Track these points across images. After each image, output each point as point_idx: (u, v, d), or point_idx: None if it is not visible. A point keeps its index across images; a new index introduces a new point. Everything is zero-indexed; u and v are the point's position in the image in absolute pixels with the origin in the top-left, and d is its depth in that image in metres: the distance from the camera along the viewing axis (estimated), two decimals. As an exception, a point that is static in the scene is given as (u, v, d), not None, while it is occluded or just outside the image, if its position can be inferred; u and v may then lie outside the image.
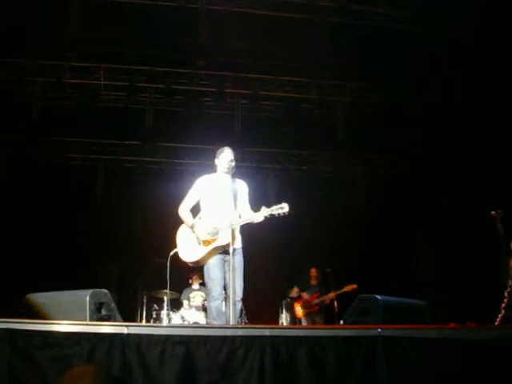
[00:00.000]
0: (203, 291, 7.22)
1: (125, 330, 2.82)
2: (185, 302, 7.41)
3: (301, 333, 3.01)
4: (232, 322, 3.87)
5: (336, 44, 8.04)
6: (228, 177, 4.37)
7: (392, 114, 9.24)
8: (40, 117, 8.54)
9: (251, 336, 2.89)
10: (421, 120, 9.09)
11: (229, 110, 9.29)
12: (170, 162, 9.65)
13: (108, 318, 3.77)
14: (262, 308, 8.23)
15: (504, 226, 5.61)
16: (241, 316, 5.98)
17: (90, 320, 3.50)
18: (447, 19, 7.81)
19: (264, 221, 4.20)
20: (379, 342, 2.99)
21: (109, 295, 3.93)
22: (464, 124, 8.58)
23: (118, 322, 3.74)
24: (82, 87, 8.68)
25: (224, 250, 4.19)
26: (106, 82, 8.78)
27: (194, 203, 4.43)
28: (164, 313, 6.79)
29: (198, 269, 4.67)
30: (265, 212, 4.13)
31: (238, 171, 4.45)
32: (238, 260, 4.18)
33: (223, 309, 4.51)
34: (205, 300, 6.95)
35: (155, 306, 7.11)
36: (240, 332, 2.94)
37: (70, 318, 3.28)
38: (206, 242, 4.24)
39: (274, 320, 8.28)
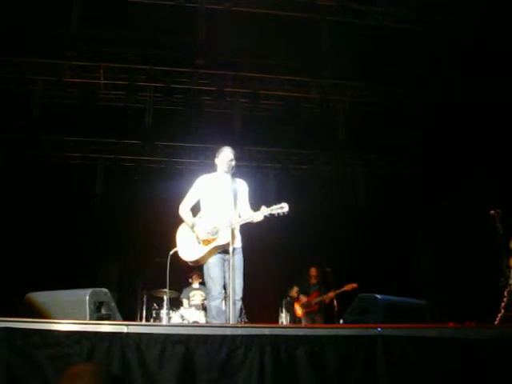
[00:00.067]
0: (203, 290, 7.23)
1: (124, 329, 2.81)
2: (185, 301, 7.42)
3: (300, 332, 3.01)
4: (232, 321, 3.86)
5: (336, 43, 8.03)
6: (228, 176, 4.37)
7: (392, 113, 9.25)
8: (40, 115, 8.53)
9: (251, 335, 2.89)
10: (421, 120, 9.08)
11: (228, 109, 9.30)
12: (170, 161, 9.66)
13: (108, 317, 3.77)
14: (261, 307, 8.23)
15: (503, 225, 5.62)
16: (240, 315, 5.96)
17: (90, 319, 3.50)
18: (447, 19, 7.81)
19: (264, 220, 4.19)
20: (379, 341, 2.98)
21: (109, 294, 3.94)
22: (464, 124, 8.58)
23: (118, 321, 3.74)
24: (82, 86, 8.68)
25: (224, 250, 4.19)
26: (106, 81, 8.78)
27: (194, 202, 4.43)
28: (164, 312, 6.79)
29: (197, 268, 4.67)
30: (264, 211, 4.13)
31: (237, 170, 4.45)
32: (237, 259, 4.18)
33: (223, 308, 4.51)
34: (204, 299, 6.96)
35: (155, 305, 7.11)
36: (240, 331, 2.94)
37: (70, 317, 3.28)
38: (206, 242, 4.24)
39: (274, 319, 8.28)
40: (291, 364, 2.86)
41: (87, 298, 3.59)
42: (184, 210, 4.39)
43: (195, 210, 4.45)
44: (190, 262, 4.36)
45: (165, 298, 6.84)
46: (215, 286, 4.16)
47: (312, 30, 8.01)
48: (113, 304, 3.93)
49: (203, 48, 7.91)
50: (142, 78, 8.78)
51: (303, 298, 8.05)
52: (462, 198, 8.57)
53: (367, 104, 9.42)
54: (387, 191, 9.55)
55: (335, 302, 7.68)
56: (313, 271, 8.27)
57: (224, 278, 4.20)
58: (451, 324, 3.76)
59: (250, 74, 8.89)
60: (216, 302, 4.16)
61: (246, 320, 6.72)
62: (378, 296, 3.96)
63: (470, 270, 7.90)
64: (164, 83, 8.87)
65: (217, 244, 4.18)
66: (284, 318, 8.30)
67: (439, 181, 9.34)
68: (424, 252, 9.83)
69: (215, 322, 4.08)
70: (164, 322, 6.61)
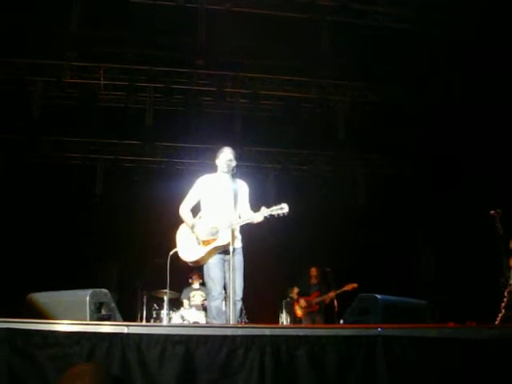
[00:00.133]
0: (203, 291, 7.22)
1: (125, 330, 2.82)
2: (185, 302, 7.42)
3: (301, 332, 3.01)
4: (232, 322, 3.86)
5: (336, 43, 8.04)
6: (228, 177, 4.37)
7: (392, 113, 9.25)
8: (40, 116, 8.55)
9: (251, 335, 2.89)
10: (421, 120, 9.09)
11: (228, 110, 9.31)
12: (170, 162, 9.66)
13: (108, 318, 3.78)
14: (262, 308, 8.23)
15: (503, 225, 5.62)
16: (241, 316, 5.98)
17: (90, 319, 3.50)
18: (447, 19, 7.82)
19: (264, 221, 4.19)
20: (379, 341, 2.98)
21: (109, 295, 3.94)
22: (464, 124, 8.57)
23: (118, 321, 3.75)
24: (82, 87, 8.69)
25: (224, 250, 4.18)
26: (106, 82, 8.78)
27: (194, 203, 4.43)
28: (164, 312, 6.79)
29: (198, 268, 4.67)
30: (264, 212, 4.13)
31: (237, 171, 4.44)
32: (237, 260, 4.18)
33: (223, 308, 4.51)
34: (205, 299, 6.95)
35: (155, 305, 7.11)
36: (240, 331, 2.94)
37: (71, 317, 3.28)
38: (206, 242, 4.23)
39: (274, 320, 8.28)
40: (291, 364, 2.86)
41: (87, 298, 3.59)
42: (184, 210, 4.39)
43: (195, 210, 4.45)
44: (190, 262, 4.35)
45: (165, 298, 6.83)
46: (215, 286, 4.16)
47: (312, 30, 8.02)
48: (113, 304, 3.93)
49: (203, 48, 7.92)
50: (142, 78, 8.79)
51: (303, 302, 8.04)
52: (462, 198, 8.57)
53: (367, 104, 9.42)
54: (387, 191, 9.55)
55: (335, 302, 7.68)
56: (313, 271, 8.26)
57: (224, 278, 4.20)
58: (451, 324, 3.76)
59: (250, 75, 8.90)
60: (216, 303, 4.16)
61: (247, 320, 6.72)
62: (378, 296, 3.96)
63: (470, 270, 7.90)
64: (164, 84, 8.88)
65: (217, 244, 4.18)
66: (284, 318, 8.30)
67: (439, 181, 9.34)
68: (424, 252, 9.83)
69: (215, 322, 4.08)
70: (164, 322, 6.61)
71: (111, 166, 9.51)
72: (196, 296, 7.52)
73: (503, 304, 5.56)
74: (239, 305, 4.16)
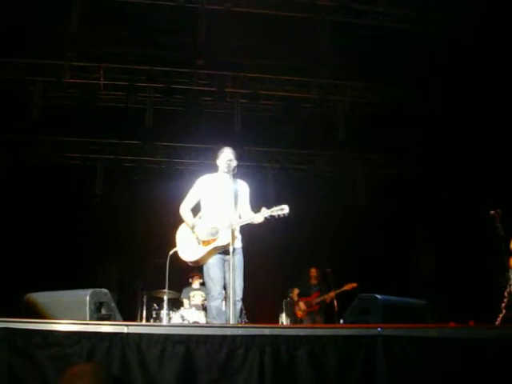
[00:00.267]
0: (203, 291, 7.22)
1: (125, 330, 2.82)
2: (185, 302, 7.41)
3: (301, 332, 3.01)
4: (232, 322, 3.86)
5: (336, 43, 8.04)
6: (229, 177, 4.37)
7: (392, 113, 9.25)
8: (40, 116, 8.55)
9: (251, 335, 2.89)
10: (421, 120, 9.09)
11: (228, 110, 9.30)
12: (170, 162, 9.65)
13: (108, 318, 3.77)
14: (262, 308, 8.23)
15: (503, 225, 5.62)
16: (241, 316, 5.98)
17: (90, 319, 3.50)
18: (447, 19, 7.81)
19: (264, 221, 4.19)
20: (379, 341, 2.98)
21: (109, 295, 3.93)
22: (464, 124, 8.57)
23: (118, 321, 3.74)
24: (82, 87, 8.68)
25: (224, 250, 4.18)
26: (106, 82, 8.78)
27: (194, 203, 4.43)
28: (164, 312, 6.79)
29: (198, 268, 4.67)
30: (265, 213, 4.12)
31: (237, 171, 4.44)
32: (237, 259, 4.18)
33: (223, 308, 4.51)
34: (205, 299, 6.95)
35: (155, 305, 7.11)
36: (240, 331, 2.94)
37: (70, 317, 3.28)
38: (206, 242, 4.23)
39: (274, 320, 8.27)
40: (291, 364, 2.86)
41: (87, 298, 3.58)
42: (184, 210, 4.39)
43: (196, 210, 4.45)
44: (190, 262, 4.35)
45: (165, 298, 6.83)
46: (215, 286, 4.16)
47: (312, 30, 8.02)
48: (113, 304, 3.92)
49: (203, 48, 7.92)
50: (142, 78, 8.79)
51: (303, 305, 8.04)
52: (462, 198, 8.57)
53: (367, 104, 9.42)
54: (387, 191, 9.55)
55: (335, 302, 7.67)
56: (313, 272, 8.25)
57: (224, 278, 4.20)
58: (452, 324, 3.76)
59: (250, 75, 8.90)
60: (216, 303, 4.15)
61: (247, 320, 6.72)
62: (378, 296, 3.96)
63: (470, 271, 7.90)
64: (164, 84, 8.88)
65: (217, 245, 4.18)
66: (284, 318, 8.29)
67: (439, 181, 9.34)
68: (424, 252, 9.82)
69: (215, 322, 4.07)
70: (164, 322, 6.61)
71: (111, 165, 9.51)
72: (196, 296, 7.52)
73: (503, 304, 5.56)
74: (239, 305, 4.16)
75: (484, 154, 8.34)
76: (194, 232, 4.30)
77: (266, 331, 2.96)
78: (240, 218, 4.29)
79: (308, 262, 8.46)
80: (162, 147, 9.49)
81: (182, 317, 6.81)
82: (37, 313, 3.60)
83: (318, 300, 7.95)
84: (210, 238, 4.21)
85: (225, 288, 4.26)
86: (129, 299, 7.52)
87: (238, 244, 4.28)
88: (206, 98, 9.15)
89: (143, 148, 9.44)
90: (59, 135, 9.07)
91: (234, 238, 4.09)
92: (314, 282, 8.23)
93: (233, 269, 3.93)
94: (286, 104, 9.17)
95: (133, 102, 9.01)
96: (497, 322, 5.46)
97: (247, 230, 4.40)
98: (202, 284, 7.10)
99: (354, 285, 7.61)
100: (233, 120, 9.15)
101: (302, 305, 8.05)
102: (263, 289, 8.17)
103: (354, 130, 9.24)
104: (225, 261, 4.21)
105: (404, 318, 3.73)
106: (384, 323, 3.51)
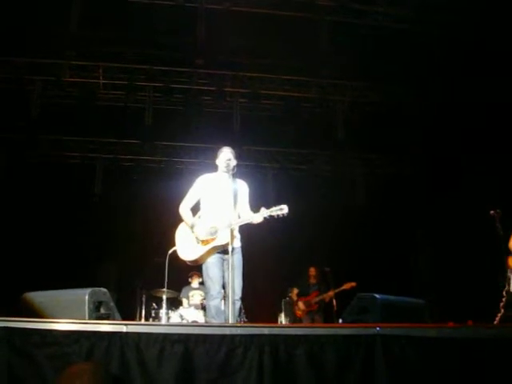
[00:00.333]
0: (202, 290, 7.21)
1: (124, 329, 2.81)
2: (184, 301, 7.41)
3: (300, 331, 3.01)
4: (231, 321, 3.86)
5: (336, 43, 8.03)
6: (228, 176, 4.36)
7: (392, 113, 9.25)
8: (39, 115, 8.54)
9: (250, 335, 2.89)
10: (421, 120, 9.08)
11: (228, 109, 9.29)
12: (170, 161, 9.66)
13: (107, 317, 3.77)
14: (261, 307, 8.22)
15: (503, 225, 5.62)
16: (240, 315, 5.98)
17: (89, 318, 3.49)
18: (447, 19, 7.81)
19: (263, 221, 4.19)
20: (378, 340, 2.99)
21: (108, 294, 3.93)
22: (464, 124, 8.57)
23: (117, 320, 3.74)
24: (81, 86, 8.68)
25: (223, 249, 4.18)
26: (105, 81, 8.78)
27: (194, 202, 4.43)
28: (163, 311, 6.79)
29: (197, 267, 4.67)
30: (264, 213, 4.12)
31: (237, 170, 4.44)
32: (236, 259, 4.18)
33: (222, 308, 4.51)
34: (204, 299, 6.95)
35: (154, 304, 7.11)
36: (239, 331, 2.94)
37: (69, 316, 3.27)
38: (205, 242, 4.23)
39: (273, 319, 8.27)
40: (290, 363, 2.86)
41: (86, 297, 3.58)
42: (184, 209, 4.39)
43: (195, 209, 4.45)
44: (189, 261, 4.35)
45: (164, 297, 6.83)
46: (214, 285, 4.16)
47: (311, 29, 8.01)
48: (112, 303, 3.92)
49: (203, 48, 7.92)
50: (142, 77, 8.78)
51: (302, 305, 8.04)
52: (462, 198, 8.57)
53: (367, 104, 9.42)
54: (387, 191, 9.54)
55: (334, 301, 7.68)
56: (312, 271, 8.26)
57: (223, 277, 4.20)
58: (450, 323, 3.76)
59: (249, 74, 8.89)
60: (215, 302, 4.16)
61: (246, 320, 6.72)
62: (377, 295, 3.96)
63: (469, 270, 7.91)
64: (163, 83, 8.88)
65: (216, 244, 4.18)
66: (283, 317, 8.29)
67: (439, 181, 9.34)
68: (423, 252, 9.83)
69: (214, 321, 4.07)
70: (163, 321, 6.61)
71: (110, 165, 9.50)
72: (195, 295, 7.52)
73: (502, 304, 5.56)
74: (238, 304, 4.16)
75: (484, 153, 8.34)
76: (193, 231, 4.30)
77: (265, 331, 2.96)
78: (239, 217, 4.29)
79: (307, 262, 8.47)
80: (161, 146, 9.49)
81: (181, 316, 6.81)
82: (33, 312, 3.59)
83: (317, 299, 7.95)
84: (209, 237, 4.21)
85: (224, 287, 4.26)
86: (128, 298, 7.51)
87: (237, 243, 4.28)
88: (206, 98, 9.15)
89: (143, 147, 9.44)
90: (58, 134, 9.07)
91: (232, 237, 4.09)
92: (312, 281, 8.23)
93: (232, 268, 3.93)
94: (286, 104, 9.17)
95: (132, 102, 9.00)
96: (495, 322, 5.46)
97: (246, 230, 4.40)
98: (201, 283, 7.10)
99: (353, 284, 7.62)
100: (232, 119, 9.15)
101: (301, 304, 8.06)
102: (262, 288, 8.17)
103: (354, 130, 9.24)
104: (224, 260, 4.21)
105: (403, 318, 3.73)
106: (383, 323, 3.51)
